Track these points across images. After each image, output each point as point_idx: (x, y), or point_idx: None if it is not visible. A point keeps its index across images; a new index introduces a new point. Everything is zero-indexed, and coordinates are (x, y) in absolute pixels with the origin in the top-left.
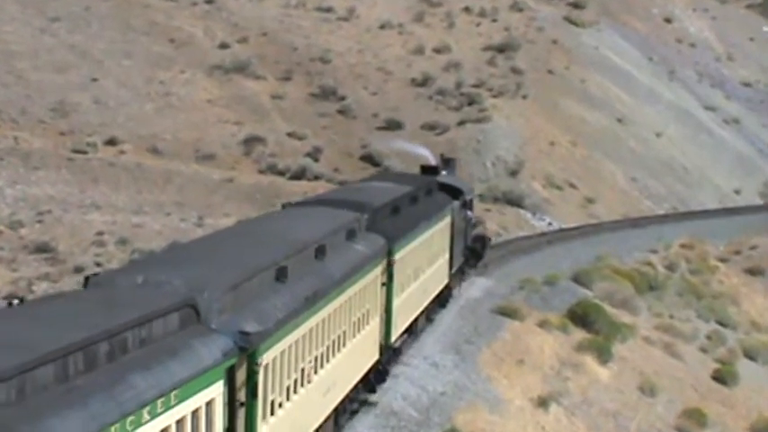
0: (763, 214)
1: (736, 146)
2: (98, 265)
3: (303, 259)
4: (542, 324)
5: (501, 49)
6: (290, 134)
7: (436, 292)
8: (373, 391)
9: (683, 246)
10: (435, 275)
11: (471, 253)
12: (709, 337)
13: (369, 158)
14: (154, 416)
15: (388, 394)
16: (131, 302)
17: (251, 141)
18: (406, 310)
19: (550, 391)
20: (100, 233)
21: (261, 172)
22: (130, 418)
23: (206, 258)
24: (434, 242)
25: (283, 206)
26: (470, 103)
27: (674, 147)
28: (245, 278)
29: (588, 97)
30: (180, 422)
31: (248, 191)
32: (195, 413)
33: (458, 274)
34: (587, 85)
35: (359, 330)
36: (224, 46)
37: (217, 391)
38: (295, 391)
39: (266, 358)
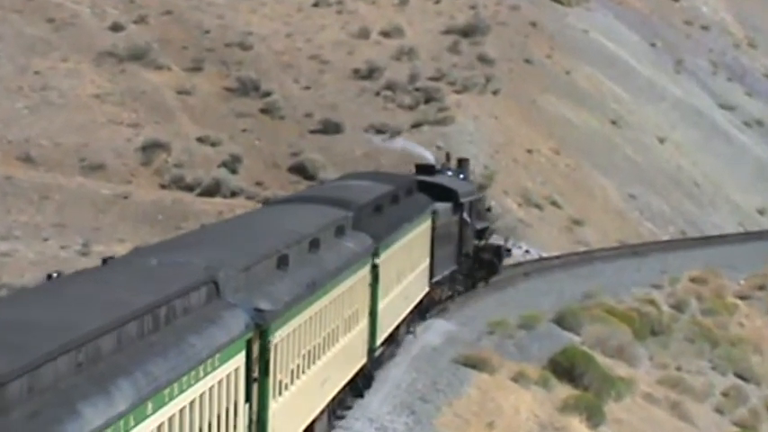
0: None
1: (760, 154)
2: None
3: (300, 250)
4: (517, 378)
5: (466, 32)
6: (200, 139)
7: (417, 300)
8: (361, 395)
9: (693, 279)
10: (416, 282)
11: (480, 264)
12: (726, 395)
13: (300, 169)
14: (206, 374)
15: None
16: (165, 277)
17: (151, 148)
18: (389, 314)
19: None
20: None
21: (163, 187)
22: (192, 373)
23: (213, 244)
24: (415, 246)
25: (264, 203)
26: (428, 101)
27: (681, 155)
28: (253, 262)
29: (575, 93)
30: (219, 383)
31: (147, 210)
32: (228, 377)
33: (447, 284)
34: (574, 78)
35: (349, 329)
36: (117, 27)
37: (240, 360)
38: (297, 376)
39: (277, 337)
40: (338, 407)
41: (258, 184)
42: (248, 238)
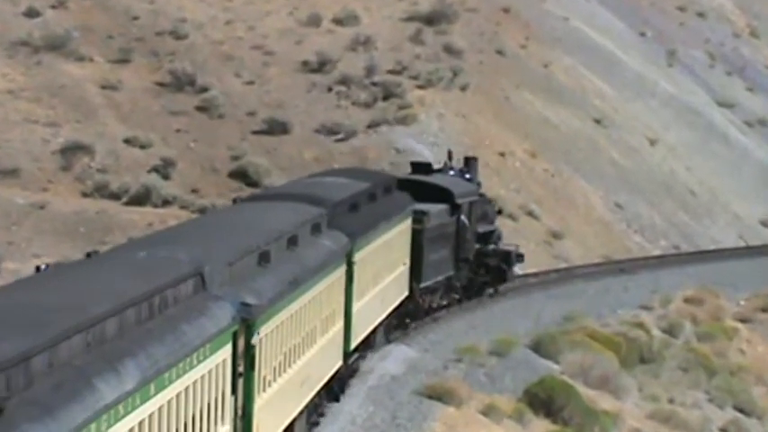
0: None
1: (763, 157)
2: None
3: (279, 247)
4: (488, 411)
5: (430, 19)
6: (128, 140)
7: (395, 304)
8: (337, 399)
9: (687, 300)
10: (394, 285)
11: (486, 270)
12: (724, 430)
13: (242, 175)
14: (198, 362)
15: None
16: (154, 269)
17: (71, 151)
18: (364, 317)
19: None
20: None
21: (86, 195)
22: (187, 360)
23: (194, 239)
24: (394, 247)
25: (234, 201)
26: (387, 97)
27: (674, 159)
28: (236, 258)
29: (554, 89)
30: (209, 373)
31: (67, 222)
32: (217, 368)
33: (441, 291)
34: (552, 72)
35: (327, 329)
36: (32, 13)
37: (227, 353)
38: (279, 374)
39: (262, 332)
40: (314, 411)
41: (194, 191)
42: (229, 234)
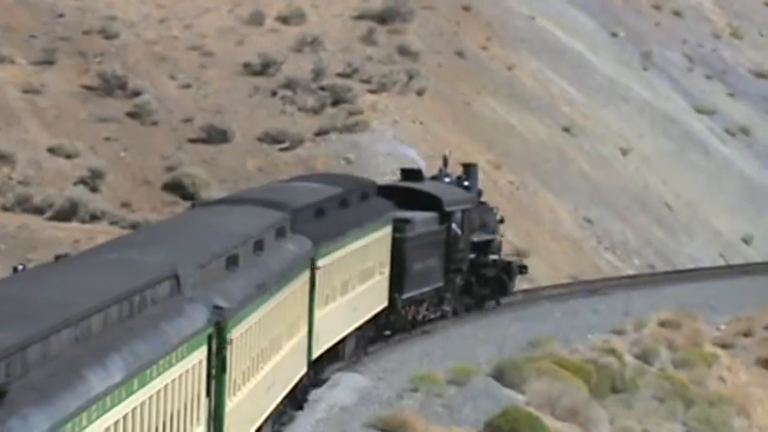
0: None
1: (745, 169)
2: None
3: (247, 251)
4: None
5: (383, 18)
6: (52, 149)
7: (369, 314)
8: (300, 408)
9: (663, 324)
10: (369, 295)
11: (485, 282)
12: None
13: (177, 187)
14: (177, 361)
15: None
16: (130, 271)
17: None
18: (329, 326)
19: None
20: None
21: (6, 209)
22: (167, 358)
23: (164, 242)
24: (368, 255)
25: (193, 205)
26: (336, 102)
27: (649, 171)
28: (207, 261)
29: (518, 94)
30: (187, 373)
31: None
32: (193, 368)
33: (428, 303)
34: (517, 76)
35: (292, 335)
36: None
37: (203, 354)
38: (248, 378)
39: (234, 335)
40: (277, 420)
41: (125, 205)
42: (197, 238)
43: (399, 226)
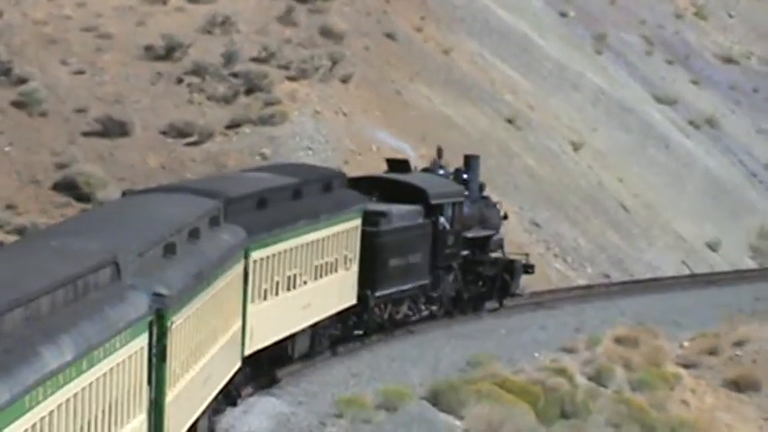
0: (759, 284)
1: (711, 165)
2: None
3: (182, 239)
4: None
5: None
6: None
7: (329, 312)
8: (234, 404)
9: (619, 340)
10: (330, 292)
11: (483, 281)
12: None
13: (69, 186)
14: (121, 345)
15: None
16: (72, 257)
17: None
18: (267, 321)
19: None
20: None
21: None
22: (112, 341)
23: (103, 230)
24: (327, 249)
25: (124, 193)
26: (250, 91)
27: (603, 168)
28: (145, 248)
29: (456, 81)
30: (130, 358)
31: None
32: (136, 354)
33: (409, 302)
34: (455, 60)
35: (227, 328)
36: None
37: (144, 341)
38: (186, 369)
39: (174, 323)
40: (213, 415)
41: (10, 207)
42: (134, 225)
43: (372, 219)
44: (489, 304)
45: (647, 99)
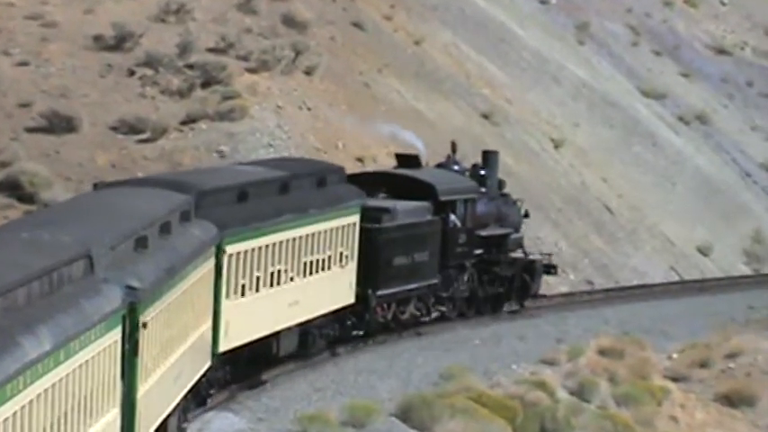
0: (753, 291)
1: (702, 164)
2: None
3: (154, 233)
4: None
5: None
6: None
7: (322, 310)
8: (204, 403)
9: (604, 352)
10: (322, 290)
11: (500, 282)
12: None
13: (12, 186)
14: (96, 338)
15: None
16: (45, 249)
17: None
18: (245, 319)
19: None
20: None
21: None
22: (88, 333)
23: (75, 222)
24: (318, 245)
25: (95, 186)
26: (207, 84)
27: (586, 166)
28: (117, 242)
29: (429, 73)
30: (104, 351)
31: None
32: (110, 347)
33: (415, 302)
34: (427, 51)
35: (198, 325)
36: None
37: (118, 335)
38: (158, 365)
39: (146, 317)
40: (183, 413)
41: None
42: (105, 218)
43: (374, 215)
44: (508, 306)
45: (633, 93)
